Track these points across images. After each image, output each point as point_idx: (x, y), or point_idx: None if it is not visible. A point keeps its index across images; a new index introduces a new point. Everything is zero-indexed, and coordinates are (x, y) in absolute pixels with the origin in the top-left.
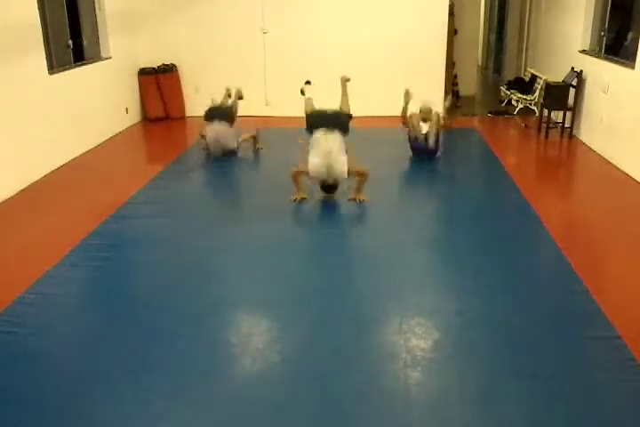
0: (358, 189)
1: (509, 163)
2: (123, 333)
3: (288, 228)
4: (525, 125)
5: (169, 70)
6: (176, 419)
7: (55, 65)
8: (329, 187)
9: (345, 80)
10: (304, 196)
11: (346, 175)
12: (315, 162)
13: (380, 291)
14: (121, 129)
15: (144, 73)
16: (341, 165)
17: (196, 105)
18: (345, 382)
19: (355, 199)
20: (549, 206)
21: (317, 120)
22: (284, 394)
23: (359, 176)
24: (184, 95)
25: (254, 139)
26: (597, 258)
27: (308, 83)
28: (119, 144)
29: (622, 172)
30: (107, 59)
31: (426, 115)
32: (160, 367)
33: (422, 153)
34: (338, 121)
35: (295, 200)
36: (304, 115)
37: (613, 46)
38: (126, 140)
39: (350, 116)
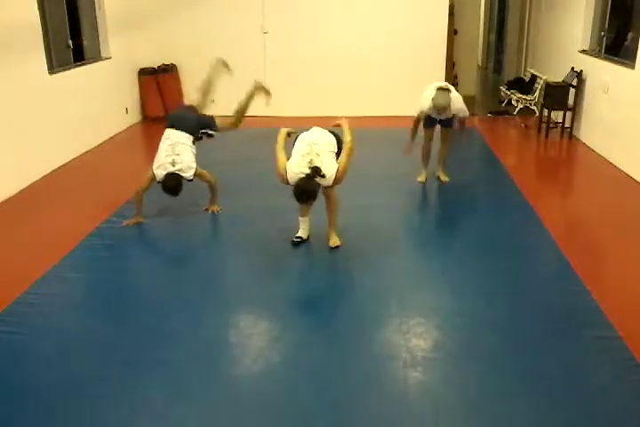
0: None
1: (509, 163)
2: (122, 333)
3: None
4: (525, 125)
5: (169, 70)
6: (176, 419)
7: (55, 65)
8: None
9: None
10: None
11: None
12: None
13: (380, 291)
14: (121, 129)
15: (144, 73)
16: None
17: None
18: (345, 382)
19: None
20: (549, 206)
21: None
22: (284, 394)
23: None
24: (184, 95)
25: (211, 190)
26: (597, 258)
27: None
28: (119, 144)
29: (622, 172)
30: (107, 59)
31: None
32: (160, 367)
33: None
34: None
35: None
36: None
37: (613, 46)
38: (126, 140)
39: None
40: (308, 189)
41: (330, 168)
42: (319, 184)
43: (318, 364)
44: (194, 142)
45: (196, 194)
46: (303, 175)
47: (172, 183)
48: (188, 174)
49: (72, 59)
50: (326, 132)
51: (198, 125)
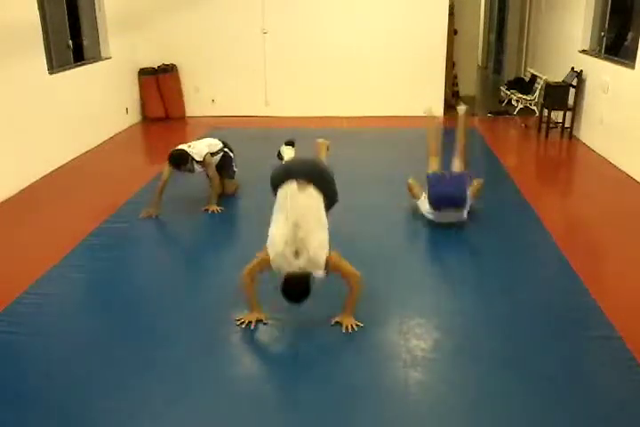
0: (348, 306)
1: (509, 163)
2: (122, 333)
3: None
4: (525, 125)
5: (169, 70)
6: (176, 419)
7: (55, 65)
8: (293, 290)
9: (324, 146)
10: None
11: (321, 270)
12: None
13: (380, 291)
14: (121, 129)
15: (144, 73)
16: (316, 246)
17: (196, 105)
18: (345, 382)
19: (340, 323)
20: (549, 206)
21: (286, 169)
22: (285, 394)
23: (348, 283)
24: (184, 95)
25: (212, 186)
26: (597, 258)
27: (289, 144)
28: (119, 144)
29: (622, 172)
30: (107, 59)
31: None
32: (160, 367)
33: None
34: (317, 174)
35: (244, 324)
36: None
37: (613, 46)
38: (126, 140)
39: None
40: (299, 286)
41: (319, 252)
42: (310, 273)
43: (318, 364)
44: (214, 153)
45: (197, 195)
46: (290, 270)
47: (178, 152)
48: (197, 156)
49: (72, 59)
50: (310, 191)
51: (227, 159)
